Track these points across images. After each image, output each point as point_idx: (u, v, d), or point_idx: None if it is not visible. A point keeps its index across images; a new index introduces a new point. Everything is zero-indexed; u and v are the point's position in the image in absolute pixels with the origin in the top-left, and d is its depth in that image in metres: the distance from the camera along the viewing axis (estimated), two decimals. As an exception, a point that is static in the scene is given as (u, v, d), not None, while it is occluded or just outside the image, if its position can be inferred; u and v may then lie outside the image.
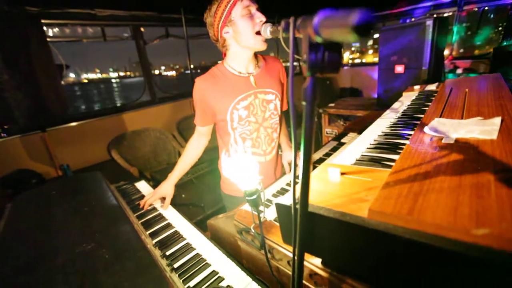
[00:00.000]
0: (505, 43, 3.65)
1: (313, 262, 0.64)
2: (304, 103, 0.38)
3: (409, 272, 0.39)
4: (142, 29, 2.99)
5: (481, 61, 3.58)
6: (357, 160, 0.69)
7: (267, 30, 1.04)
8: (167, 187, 1.29)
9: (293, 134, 0.49)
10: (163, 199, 1.29)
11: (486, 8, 3.66)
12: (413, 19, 4.08)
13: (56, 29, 2.35)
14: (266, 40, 1.09)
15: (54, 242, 0.82)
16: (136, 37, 2.96)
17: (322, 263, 0.60)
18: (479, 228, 0.32)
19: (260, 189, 0.71)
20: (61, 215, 0.97)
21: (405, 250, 0.38)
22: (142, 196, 1.36)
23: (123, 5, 2.57)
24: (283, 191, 1.20)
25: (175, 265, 0.88)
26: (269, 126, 1.27)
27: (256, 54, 1.21)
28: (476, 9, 3.68)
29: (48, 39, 1.91)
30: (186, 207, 2.29)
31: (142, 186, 1.51)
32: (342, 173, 0.60)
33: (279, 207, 0.55)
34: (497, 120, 0.64)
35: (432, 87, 1.34)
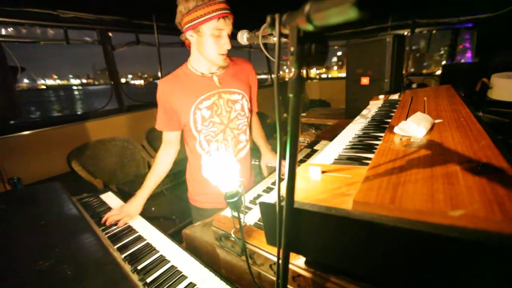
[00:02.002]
0: (450, 63, 4.17)
1: (296, 264, 0.63)
2: (291, 95, 0.38)
3: (394, 258, 0.40)
4: (110, 34, 2.86)
5: (431, 78, 4.01)
6: (335, 159, 0.71)
7: (243, 37, 1.05)
8: (136, 206, 1.19)
9: (278, 140, 0.49)
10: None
11: (434, 31, 4.16)
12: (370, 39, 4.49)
13: (10, 29, 2.15)
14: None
15: (3, 261, 0.71)
16: (103, 42, 2.82)
17: (306, 263, 0.60)
18: (454, 210, 0.35)
19: (240, 192, 0.69)
20: (11, 230, 0.85)
21: (390, 237, 0.39)
22: (109, 209, 1.25)
23: (90, 8, 2.45)
24: (260, 197, 1.19)
25: (148, 280, 0.81)
26: (235, 127, 1.24)
27: None
28: (426, 31, 4.16)
29: (1, 39, 1.73)
30: (157, 220, 2.16)
31: (109, 198, 1.39)
32: (323, 172, 0.62)
33: (263, 206, 0.54)
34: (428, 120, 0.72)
35: (394, 96, 1.46)
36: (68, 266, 0.68)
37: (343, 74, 2.32)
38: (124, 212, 1.16)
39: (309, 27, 0.29)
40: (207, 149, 1.22)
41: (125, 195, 2.19)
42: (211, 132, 1.20)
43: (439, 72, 4.46)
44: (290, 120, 0.41)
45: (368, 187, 0.46)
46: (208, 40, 1.03)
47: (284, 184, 0.45)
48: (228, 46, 1.05)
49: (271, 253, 0.68)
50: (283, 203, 0.45)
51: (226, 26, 1.02)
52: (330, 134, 1.93)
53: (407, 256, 0.40)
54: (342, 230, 0.45)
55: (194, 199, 1.36)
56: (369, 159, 0.66)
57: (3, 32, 2.13)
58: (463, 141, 0.58)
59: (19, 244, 0.78)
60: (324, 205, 0.47)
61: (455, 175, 0.44)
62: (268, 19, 0.42)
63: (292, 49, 0.36)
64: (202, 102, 1.14)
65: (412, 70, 5.03)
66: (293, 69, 0.41)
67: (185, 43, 1.16)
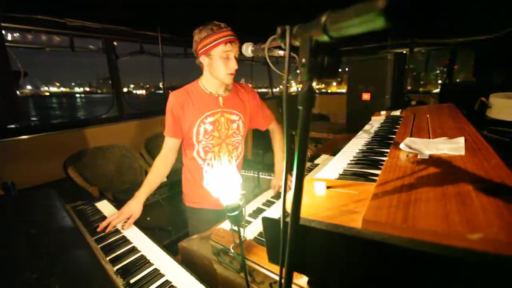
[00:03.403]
0: (447, 82, 4.24)
1: (297, 283, 0.60)
2: (300, 107, 0.37)
3: (406, 281, 0.38)
4: (114, 42, 2.90)
5: (431, 96, 4.07)
6: (340, 174, 0.69)
7: (248, 49, 1.06)
8: (136, 206, 1.21)
9: (285, 153, 0.48)
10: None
11: (432, 51, 4.25)
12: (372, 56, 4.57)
13: (16, 34, 2.17)
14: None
15: (-13, 272, 0.67)
16: (108, 50, 2.85)
17: (308, 283, 0.57)
18: (473, 233, 0.33)
19: (242, 205, 0.67)
20: (-1, 239, 0.81)
21: (402, 259, 0.37)
22: (104, 218, 1.22)
23: (96, 17, 2.49)
24: (260, 211, 1.16)
25: (140, 295, 0.77)
26: (230, 143, 1.37)
27: None
28: (424, 51, 4.25)
29: (7, 44, 1.73)
30: (152, 231, 2.10)
31: (104, 206, 1.35)
32: (328, 187, 0.60)
33: (266, 221, 0.52)
34: (462, 139, 0.70)
35: (396, 112, 1.46)
36: (56, 279, 0.64)
37: (342, 90, 2.36)
38: (126, 212, 1.18)
39: (324, 38, 0.29)
40: (204, 157, 1.34)
41: (121, 204, 2.14)
42: (209, 144, 1.32)
43: (435, 91, 4.52)
44: (298, 132, 0.39)
45: (377, 205, 0.44)
46: (218, 62, 1.18)
47: (289, 199, 0.43)
48: (235, 66, 1.19)
49: (272, 271, 0.65)
50: (288, 219, 0.43)
51: (232, 49, 1.17)
52: (331, 148, 1.92)
53: (421, 280, 0.37)
54: (350, 250, 0.43)
55: (189, 200, 1.43)
56: (376, 175, 0.64)
57: (9, 37, 2.16)
58: (472, 159, 0.57)
59: (6, 253, 0.74)
60: (331, 223, 0.44)
61: (468, 195, 0.42)
62: (279, 30, 0.42)
63: (303, 60, 0.35)
64: (207, 118, 1.28)
65: (409, 88, 5.11)
66: (293, 82, 0.40)
67: (202, 67, 1.30)
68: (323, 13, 0.27)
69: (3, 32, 2.00)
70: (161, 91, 3.44)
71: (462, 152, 0.62)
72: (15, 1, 1.94)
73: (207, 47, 1.16)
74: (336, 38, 0.28)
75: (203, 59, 1.22)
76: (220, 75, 1.21)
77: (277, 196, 1.32)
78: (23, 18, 2.11)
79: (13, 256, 0.73)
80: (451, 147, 0.66)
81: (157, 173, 1.29)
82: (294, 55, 0.56)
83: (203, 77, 1.30)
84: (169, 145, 1.31)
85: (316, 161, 1.75)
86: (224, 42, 1.14)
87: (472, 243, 0.32)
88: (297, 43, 0.40)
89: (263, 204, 1.23)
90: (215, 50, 1.16)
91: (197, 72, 1.38)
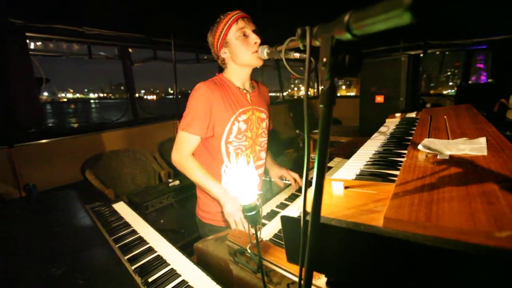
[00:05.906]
0: (464, 84, 4.12)
1: (316, 284, 0.60)
2: (321, 105, 0.38)
3: (430, 279, 0.37)
4: (130, 49, 3.01)
5: (446, 98, 3.97)
6: (357, 175, 0.69)
7: (264, 52, 1.08)
8: (232, 206, 1.07)
9: (306, 152, 0.48)
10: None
11: (447, 53, 4.16)
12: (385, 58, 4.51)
13: (39, 43, 2.29)
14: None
15: (15, 267, 0.71)
16: (123, 57, 2.96)
17: (328, 283, 0.57)
18: (501, 231, 0.32)
19: (259, 205, 0.67)
20: (25, 236, 0.85)
21: (425, 257, 0.36)
22: (120, 218, 1.25)
23: (112, 26, 2.59)
24: (274, 213, 1.16)
25: (159, 294, 0.78)
26: (258, 144, 1.28)
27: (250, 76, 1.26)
28: (437, 52, 4.16)
29: (30, 52, 1.83)
30: (166, 233, 2.13)
31: (120, 207, 1.39)
32: (346, 187, 0.60)
33: (285, 220, 0.52)
34: (483, 139, 0.69)
35: (412, 114, 1.44)
36: (79, 275, 0.67)
37: (352, 93, 2.34)
38: (239, 213, 1.05)
39: (347, 37, 0.29)
40: (234, 161, 1.17)
41: (135, 206, 2.19)
42: (242, 146, 1.20)
43: (445, 92, 4.41)
44: (319, 132, 0.40)
45: (398, 204, 0.44)
46: (238, 45, 1.10)
47: (308, 198, 0.43)
48: (257, 40, 1.09)
49: (289, 271, 0.65)
50: (308, 218, 0.43)
51: (246, 25, 1.10)
52: (344, 151, 1.90)
53: (445, 278, 0.37)
54: (371, 249, 0.42)
55: (204, 217, 1.29)
56: (394, 175, 0.63)
57: (32, 46, 2.28)
58: (496, 160, 0.56)
59: (33, 250, 0.78)
60: (352, 221, 0.44)
61: (494, 195, 0.41)
62: (299, 31, 0.43)
63: (324, 59, 0.36)
64: (241, 115, 1.17)
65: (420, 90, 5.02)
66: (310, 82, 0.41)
67: (224, 68, 1.22)
68: (346, 12, 0.28)
69: (27, 41, 2.12)
70: (170, 96, 3.52)
71: (485, 152, 0.60)
72: (36, 11, 2.05)
73: (221, 36, 1.10)
74: (359, 36, 0.28)
75: (223, 53, 1.14)
76: (246, 58, 1.11)
77: (290, 198, 1.32)
78: (44, 28, 2.22)
79: (39, 253, 0.76)
80: (473, 147, 0.64)
81: (203, 168, 1.12)
82: (312, 58, 0.57)
83: (228, 72, 1.20)
84: (193, 144, 1.13)
85: (329, 164, 1.73)
86: (234, 21, 1.08)
87: (500, 241, 0.31)
88: (317, 43, 0.41)
89: (277, 207, 1.23)
90: (230, 35, 1.09)
91: (207, 76, 1.25)
